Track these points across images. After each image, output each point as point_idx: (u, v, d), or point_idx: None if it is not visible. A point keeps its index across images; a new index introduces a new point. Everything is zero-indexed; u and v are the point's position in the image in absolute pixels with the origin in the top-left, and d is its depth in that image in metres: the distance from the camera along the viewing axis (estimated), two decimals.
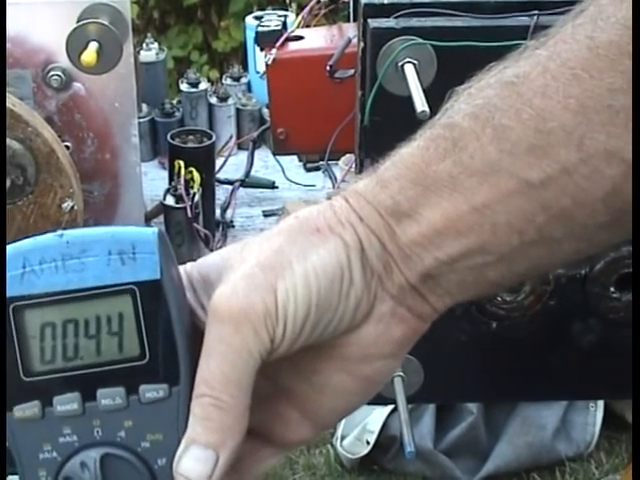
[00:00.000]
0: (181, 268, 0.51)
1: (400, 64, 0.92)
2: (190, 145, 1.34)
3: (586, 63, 0.46)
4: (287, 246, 0.49)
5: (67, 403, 0.49)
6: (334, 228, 0.49)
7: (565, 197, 0.47)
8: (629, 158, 0.46)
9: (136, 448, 0.49)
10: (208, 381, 0.48)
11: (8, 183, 1.14)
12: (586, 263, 0.98)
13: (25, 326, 0.48)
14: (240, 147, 1.57)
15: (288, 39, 1.23)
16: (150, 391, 0.49)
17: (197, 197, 1.28)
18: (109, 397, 0.49)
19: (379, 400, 0.99)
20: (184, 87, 1.55)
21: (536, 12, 0.94)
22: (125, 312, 0.49)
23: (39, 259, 0.48)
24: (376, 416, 2.26)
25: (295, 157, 1.47)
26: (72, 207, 1.16)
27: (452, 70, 0.93)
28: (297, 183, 1.47)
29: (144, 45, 1.57)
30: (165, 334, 0.49)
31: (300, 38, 1.24)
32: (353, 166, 1.15)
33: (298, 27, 1.27)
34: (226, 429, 0.48)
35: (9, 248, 0.49)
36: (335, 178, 1.41)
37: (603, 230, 0.49)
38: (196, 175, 1.29)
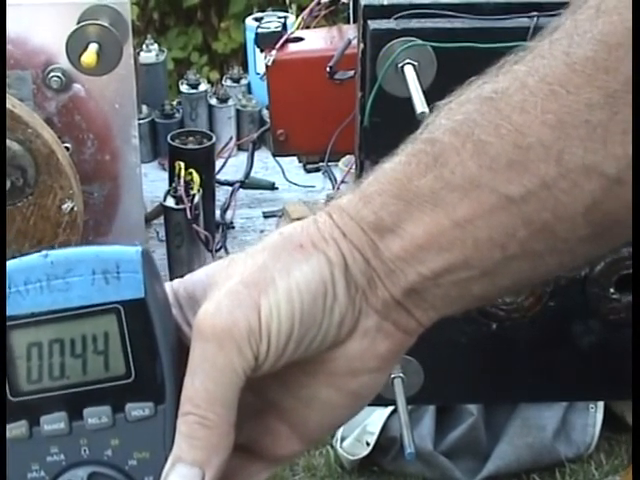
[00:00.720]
0: (167, 285, 0.51)
1: (400, 65, 0.92)
2: (190, 146, 1.35)
3: (563, 79, 0.47)
4: (271, 262, 0.49)
5: (54, 422, 0.49)
6: (317, 244, 0.50)
7: (545, 212, 0.48)
8: (608, 172, 0.46)
9: (123, 466, 0.49)
10: (193, 399, 0.48)
11: (8, 184, 1.14)
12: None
13: (12, 346, 0.49)
14: (240, 148, 1.57)
15: (288, 40, 1.23)
16: (136, 409, 0.49)
17: (197, 198, 1.28)
18: (95, 416, 0.49)
19: (379, 401, 0.98)
20: (184, 88, 1.55)
21: (536, 13, 0.94)
22: (110, 331, 0.49)
23: (24, 279, 0.48)
24: (376, 417, 2.26)
25: (295, 158, 1.47)
26: (72, 208, 1.16)
27: (452, 71, 0.93)
28: (297, 184, 1.48)
29: (144, 46, 1.57)
30: (150, 352, 0.49)
31: (300, 39, 1.24)
32: (353, 167, 1.15)
33: (298, 28, 1.27)
34: (212, 447, 0.48)
35: None
36: (335, 179, 1.41)
37: (585, 243, 0.49)
38: (196, 176, 1.29)
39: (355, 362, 0.51)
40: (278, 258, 0.49)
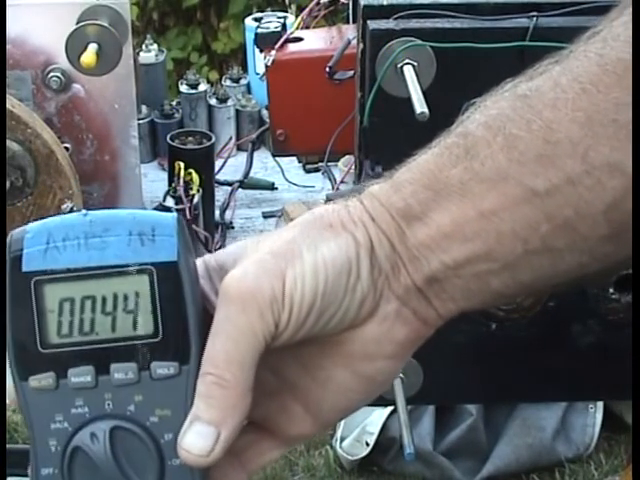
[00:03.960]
0: (199, 259, 0.53)
1: (399, 65, 0.92)
2: (189, 146, 1.35)
3: (595, 78, 0.48)
4: (300, 237, 0.51)
5: (81, 375, 0.50)
6: (346, 225, 0.51)
7: (568, 207, 0.49)
8: (629, 172, 0.48)
9: (145, 422, 0.51)
10: (212, 359, 0.49)
11: (8, 184, 1.14)
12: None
13: (45, 300, 0.50)
14: (239, 148, 1.57)
15: (287, 41, 1.23)
16: (161, 368, 0.51)
17: (196, 198, 1.28)
18: (122, 371, 0.50)
19: (379, 401, 0.98)
20: (183, 88, 1.55)
21: (535, 14, 0.94)
22: (141, 291, 0.50)
23: (63, 236, 0.50)
24: (375, 417, 2.26)
25: (294, 158, 1.47)
26: (71, 208, 1.16)
27: (451, 71, 0.94)
28: (296, 184, 1.48)
29: (143, 46, 1.57)
30: (179, 314, 0.51)
31: (299, 40, 1.25)
32: (352, 167, 1.15)
33: (297, 29, 1.27)
34: (227, 407, 0.49)
35: (35, 224, 0.51)
36: (334, 179, 1.41)
37: (604, 243, 0.50)
38: (195, 176, 1.29)
39: (372, 346, 0.52)
40: (307, 234, 0.51)
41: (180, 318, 0.51)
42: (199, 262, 0.53)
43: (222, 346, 0.49)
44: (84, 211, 0.51)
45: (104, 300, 0.50)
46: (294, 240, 0.51)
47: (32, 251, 0.50)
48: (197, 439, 0.49)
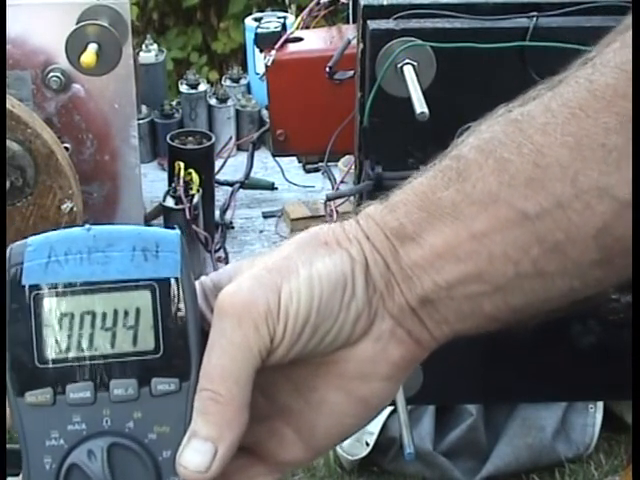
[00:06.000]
0: (197, 282, 0.53)
1: (399, 65, 0.92)
2: (189, 146, 1.34)
3: (584, 103, 0.49)
4: (295, 253, 0.51)
5: (79, 391, 0.50)
6: (341, 243, 0.52)
7: (559, 231, 0.49)
8: (620, 196, 0.48)
9: (143, 439, 0.51)
10: (208, 375, 0.49)
11: (7, 184, 1.14)
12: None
13: (44, 314, 0.50)
14: (239, 148, 1.57)
15: (287, 40, 1.23)
16: (162, 384, 0.50)
17: (196, 198, 1.28)
18: (122, 387, 0.50)
19: None
20: (183, 88, 1.55)
21: (535, 14, 0.94)
22: (142, 307, 0.50)
23: (65, 250, 0.50)
24: (375, 417, 2.25)
25: (294, 158, 1.47)
26: (71, 208, 1.16)
27: (451, 71, 0.94)
28: (296, 184, 1.48)
29: (143, 46, 1.57)
30: (179, 330, 0.50)
31: (299, 40, 1.24)
32: (352, 167, 1.15)
33: (297, 28, 1.27)
34: (224, 423, 0.49)
35: (37, 237, 0.50)
36: (334, 179, 1.40)
37: (595, 269, 0.50)
38: (195, 176, 1.29)
39: (366, 366, 0.52)
40: (303, 251, 0.51)
41: (181, 334, 0.50)
42: (196, 283, 0.53)
43: (217, 361, 0.49)
44: (87, 225, 0.51)
45: (104, 316, 0.50)
46: (289, 256, 0.51)
47: (33, 264, 0.50)
48: (194, 455, 0.49)
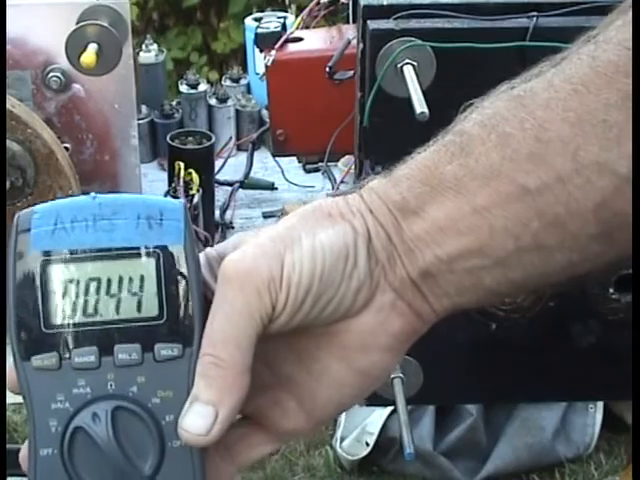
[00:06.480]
0: (201, 254, 0.54)
1: (399, 65, 0.93)
2: (189, 146, 1.34)
3: (586, 79, 0.49)
4: (299, 224, 0.52)
5: (84, 356, 0.51)
6: (345, 215, 0.52)
7: (558, 205, 0.50)
8: (619, 171, 0.49)
9: (147, 403, 0.51)
10: (210, 339, 0.50)
11: (8, 184, 1.14)
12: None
13: (50, 280, 0.50)
14: (239, 148, 1.57)
15: (287, 40, 1.23)
16: (165, 349, 0.51)
17: (196, 198, 1.28)
18: (126, 352, 0.51)
19: (378, 401, 0.98)
20: (183, 88, 1.55)
21: (535, 14, 0.94)
22: (147, 274, 0.51)
23: (71, 217, 0.51)
24: (375, 417, 2.26)
25: (294, 158, 1.47)
26: None
27: (451, 72, 0.94)
28: (296, 184, 1.48)
29: (143, 46, 1.57)
30: (183, 297, 0.51)
31: (299, 40, 1.25)
32: (352, 167, 1.15)
33: (297, 28, 1.27)
34: (225, 387, 0.50)
35: (44, 205, 0.51)
36: (334, 179, 1.41)
37: (594, 242, 0.51)
38: (195, 176, 1.29)
39: (367, 337, 0.53)
40: (306, 222, 0.52)
41: (184, 301, 0.51)
42: (200, 254, 0.54)
43: (219, 326, 0.50)
44: (93, 194, 0.51)
45: (109, 282, 0.51)
46: (293, 227, 0.52)
47: (39, 231, 0.50)
48: (196, 419, 0.50)
